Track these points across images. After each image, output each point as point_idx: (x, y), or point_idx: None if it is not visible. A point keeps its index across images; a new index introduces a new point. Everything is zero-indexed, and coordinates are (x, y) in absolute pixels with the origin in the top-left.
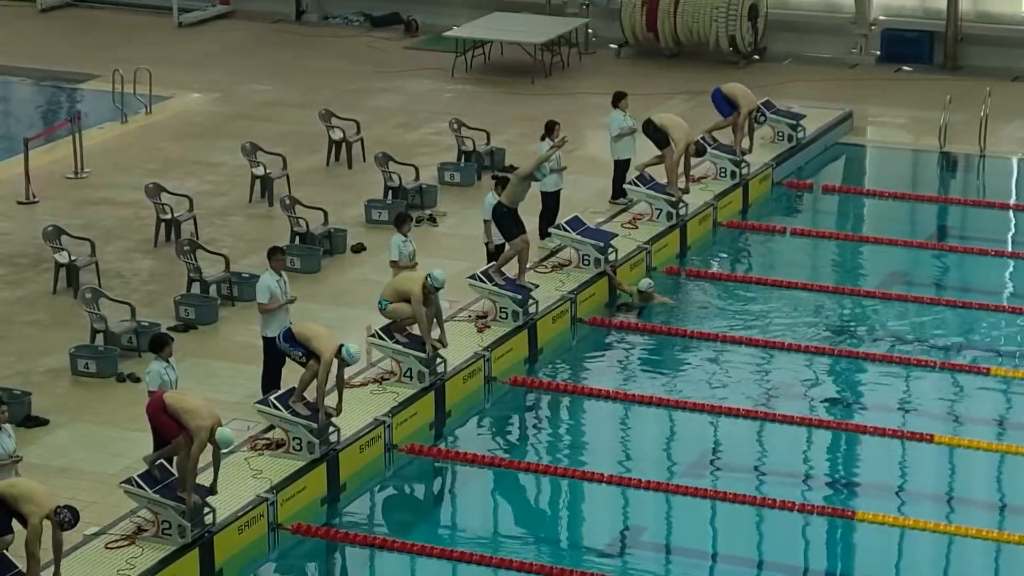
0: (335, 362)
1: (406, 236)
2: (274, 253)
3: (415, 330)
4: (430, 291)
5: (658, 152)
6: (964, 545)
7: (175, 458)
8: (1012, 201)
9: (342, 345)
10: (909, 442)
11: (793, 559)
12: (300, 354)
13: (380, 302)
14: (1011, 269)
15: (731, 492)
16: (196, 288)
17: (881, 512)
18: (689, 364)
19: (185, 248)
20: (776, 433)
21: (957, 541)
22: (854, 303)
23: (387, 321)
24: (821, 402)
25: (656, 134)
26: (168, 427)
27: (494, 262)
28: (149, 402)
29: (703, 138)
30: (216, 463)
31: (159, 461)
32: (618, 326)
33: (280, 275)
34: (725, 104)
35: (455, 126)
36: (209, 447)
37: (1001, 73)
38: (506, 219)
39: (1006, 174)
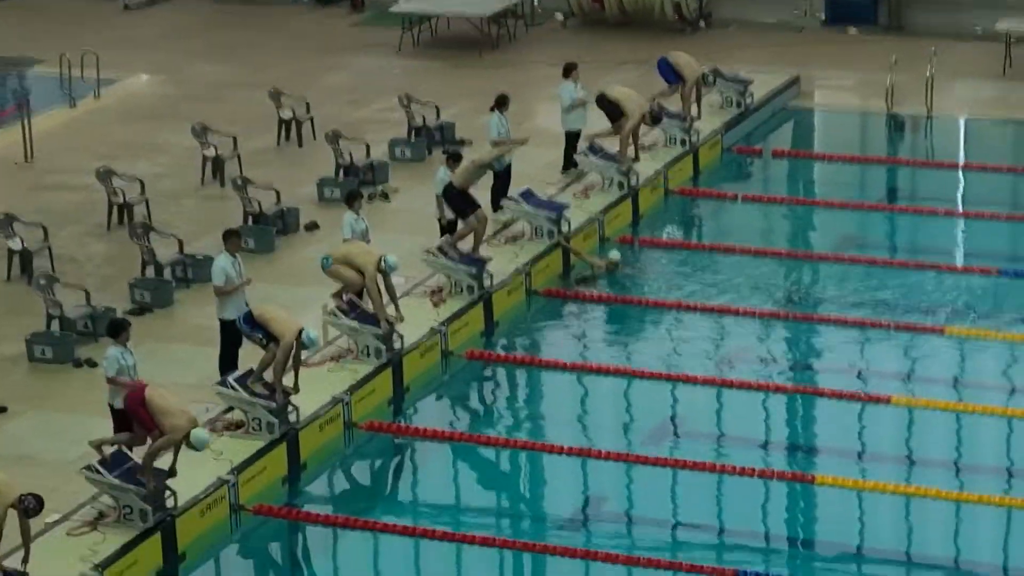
0: (295, 344)
1: (358, 214)
2: (229, 236)
3: (367, 306)
4: (383, 273)
5: (611, 124)
6: (924, 506)
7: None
8: (960, 161)
9: (302, 329)
10: (867, 404)
11: (754, 525)
12: (260, 336)
13: (325, 259)
14: (961, 229)
15: (691, 460)
16: (151, 271)
17: (841, 475)
18: (645, 333)
19: (138, 231)
20: (734, 399)
21: (916, 502)
22: (807, 267)
23: (343, 300)
24: (778, 367)
25: (610, 107)
26: (146, 421)
27: (447, 236)
28: (130, 393)
29: (655, 105)
30: (176, 452)
31: (116, 446)
32: (574, 297)
33: (235, 257)
34: (671, 73)
35: (404, 102)
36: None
37: (945, 33)
38: (457, 199)
39: (954, 134)
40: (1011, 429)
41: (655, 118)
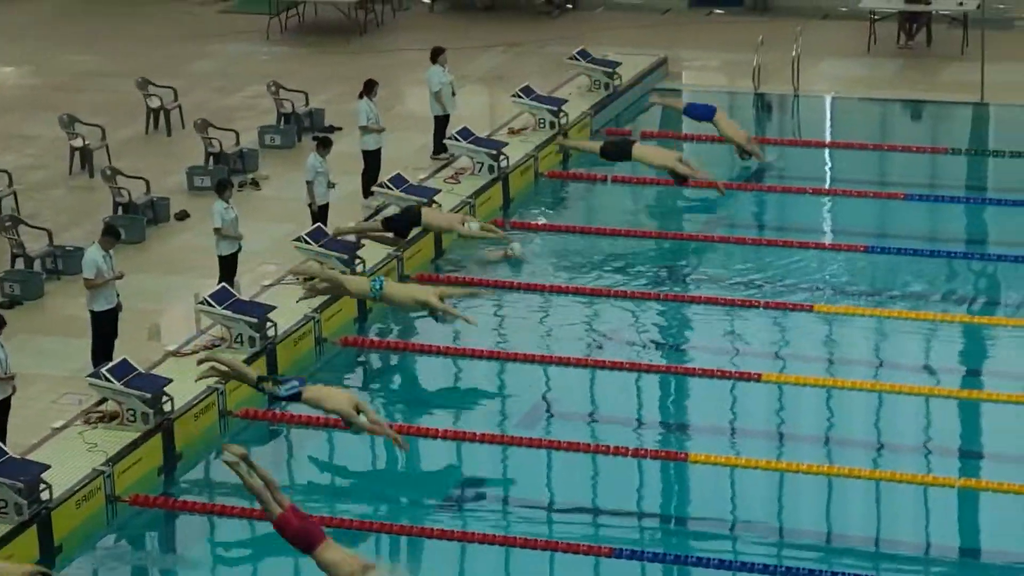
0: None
1: (228, 203)
2: (108, 232)
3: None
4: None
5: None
6: (796, 481)
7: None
8: (827, 139)
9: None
10: (738, 382)
11: (629, 503)
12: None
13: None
14: (829, 206)
15: (565, 440)
16: (20, 264)
17: (713, 452)
18: (518, 316)
19: (7, 224)
20: (607, 380)
21: (789, 478)
22: (678, 247)
23: (215, 288)
24: (650, 347)
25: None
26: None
27: (319, 223)
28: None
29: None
30: None
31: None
32: (445, 280)
33: (107, 251)
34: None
35: (273, 88)
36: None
37: (810, 12)
38: (404, 226)
39: (820, 112)
40: (880, 403)
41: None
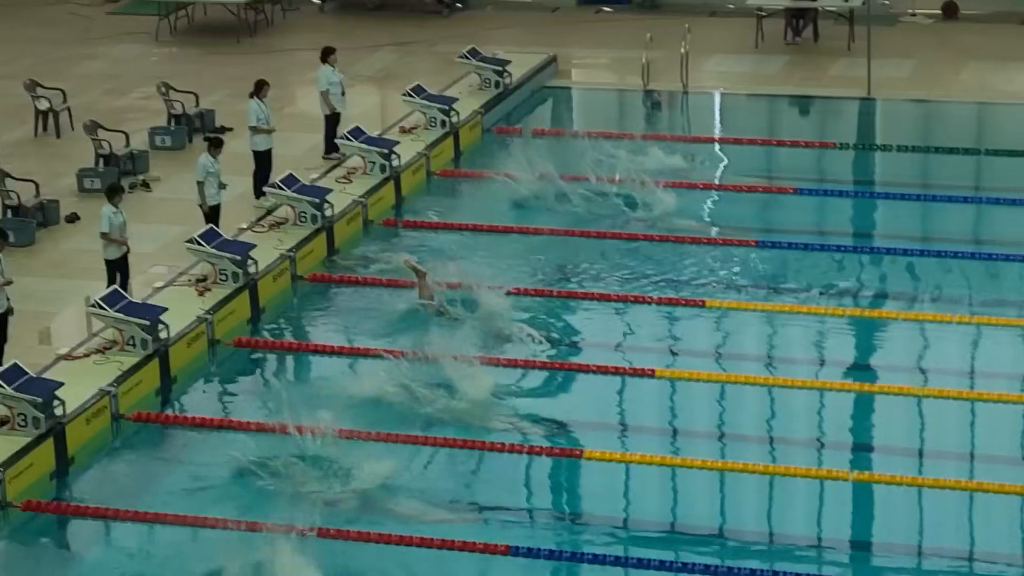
0: None
1: (117, 207)
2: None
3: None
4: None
5: None
6: (689, 477)
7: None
8: (717, 135)
9: None
10: (631, 378)
11: (525, 501)
12: None
13: None
14: (718, 201)
15: (460, 439)
16: None
17: (608, 449)
18: (411, 314)
19: None
20: (501, 376)
21: (683, 473)
22: (570, 244)
23: (106, 291)
24: (543, 344)
25: None
26: None
27: (212, 225)
28: None
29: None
30: None
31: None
32: (339, 280)
33: None
34: None
35: (163, 90)
36: None
37: (698, 9)
38: None
39: (709, 108)
40: (772, 397)
41: None
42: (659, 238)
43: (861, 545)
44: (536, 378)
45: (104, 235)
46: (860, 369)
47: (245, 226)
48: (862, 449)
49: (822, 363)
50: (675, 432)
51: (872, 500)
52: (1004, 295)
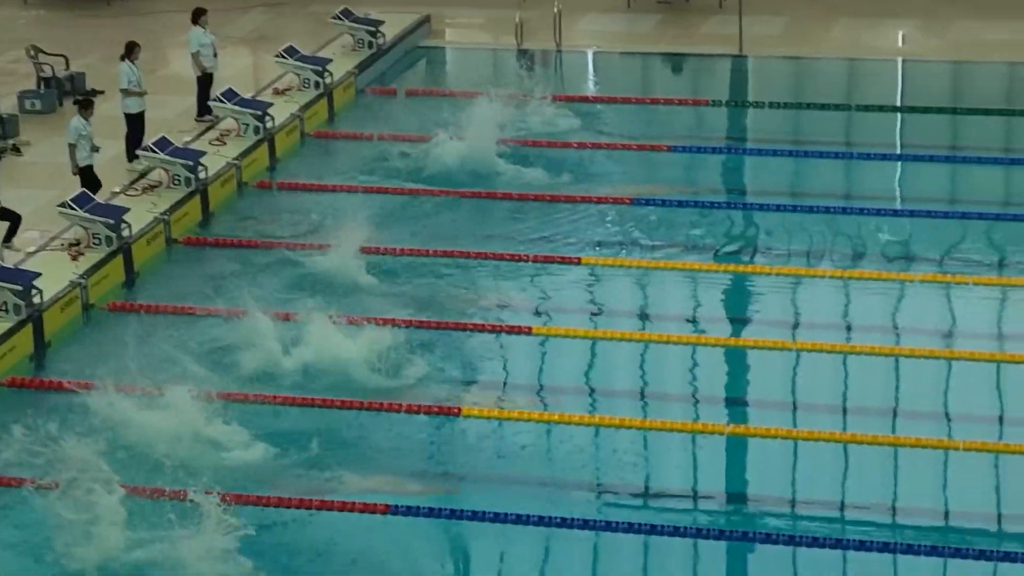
0: None
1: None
2: None
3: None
4: None
5: None
6: (566, 431)
7: None
8: (590, 93)
9: None
10: (508, 335)
11: (404, 459)
12: None
13: None
14: (589, 159)
15: (339, 399)
16: None
17: (486, 406)
18: (286, 275)
19: None
20: (378, 336)
21: (559, 429)
22: (444, 203)
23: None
24: (420, 303)
25: None
26: None
27: (85, 188)
28: None
29: None
30: None
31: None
32: (213, 243)
33: None
34: None
35: (32, 53)
36: None
37: None
38: None
39: (583, 67)
40: (646, 352)
41: None
42: (534, 197)
43: (727, 496)
44: (414, 336)
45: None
46: (736, 323)
47: (118, 190)
48: (738, 403)
49: (695, 319)
50: (551, 388)
51: (747, 453)
52: (870, 249)
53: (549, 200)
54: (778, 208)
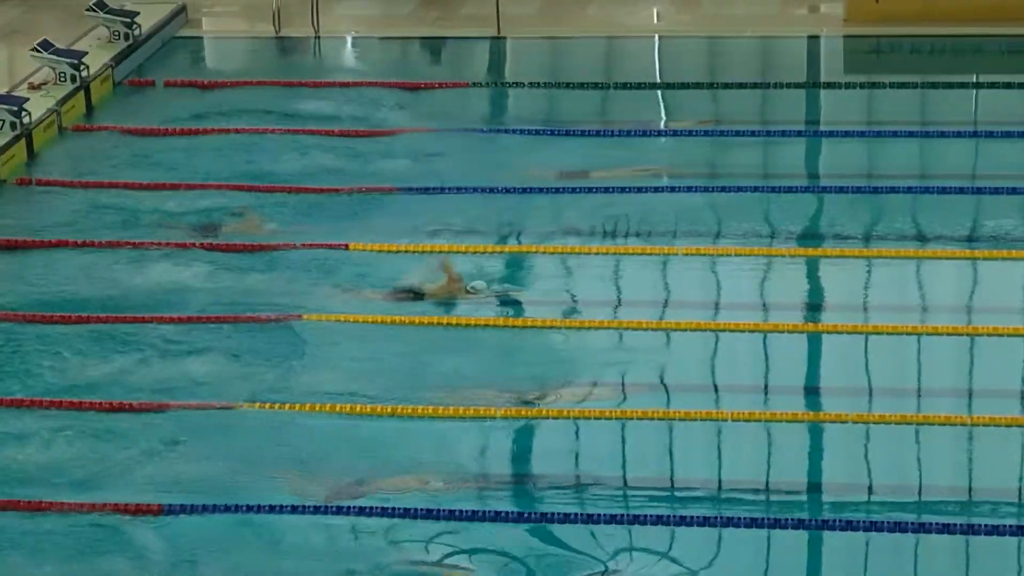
0: None
1: None
2: None
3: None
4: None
5: None
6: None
7: None
8: (351, 79)
9: None
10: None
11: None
12: None
13: None
14: (353, 147)
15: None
16: None
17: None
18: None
19: None
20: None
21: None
22: (226, 196)
23: None
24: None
25: None
26: None
27: None
28: None
29: None
30: None
31: None
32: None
33: None
34: None
35: None
36: None
37: None
38: None
39: (342, 53)
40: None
41: None
42: (294, 190)
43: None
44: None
45: None
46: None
47: None
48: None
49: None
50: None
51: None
52: (641, 227)
53: (314, 193)
54: (542, 191)
